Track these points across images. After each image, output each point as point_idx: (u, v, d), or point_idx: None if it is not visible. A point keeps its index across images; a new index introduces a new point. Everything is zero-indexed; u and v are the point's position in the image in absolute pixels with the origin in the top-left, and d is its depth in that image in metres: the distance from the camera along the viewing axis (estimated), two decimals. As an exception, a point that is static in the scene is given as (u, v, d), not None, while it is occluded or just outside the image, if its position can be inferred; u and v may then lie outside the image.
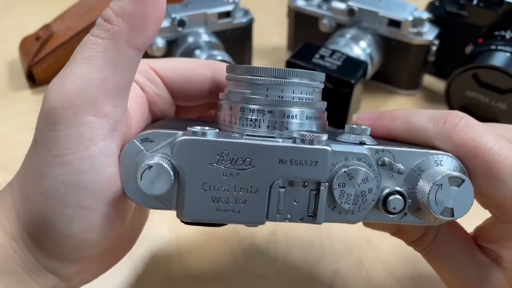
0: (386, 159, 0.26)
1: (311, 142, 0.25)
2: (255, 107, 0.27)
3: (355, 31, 0.55)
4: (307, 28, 0.59)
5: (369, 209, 0.26)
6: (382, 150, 0.26)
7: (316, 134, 0.25)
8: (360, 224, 0.37)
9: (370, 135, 0.27)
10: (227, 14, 0.55)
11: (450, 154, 0.26)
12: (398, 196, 0.26)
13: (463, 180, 0.25)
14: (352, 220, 0.26)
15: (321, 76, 0.28)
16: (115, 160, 0.25)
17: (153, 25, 0.26)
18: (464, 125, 0.26)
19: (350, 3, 0.55)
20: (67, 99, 0.24)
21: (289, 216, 0.26)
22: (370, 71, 0.54)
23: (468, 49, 0.54)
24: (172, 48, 0.53)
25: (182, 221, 0.26)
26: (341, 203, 0.25)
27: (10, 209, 0.25)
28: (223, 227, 0.28)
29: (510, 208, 0.26)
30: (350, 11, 0.55)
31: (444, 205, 0.25)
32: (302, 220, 0.26)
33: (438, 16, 0.55)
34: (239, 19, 0.56)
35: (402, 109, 0.29)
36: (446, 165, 0.26)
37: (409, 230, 0.30)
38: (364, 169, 0.25)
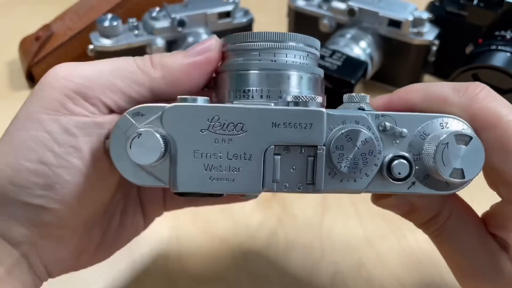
0: (387, 123, 0.24)
1: (305, 104, 0.24)
2: (247, 72, 0.26)
3: (355, 31, 0.55)
4: (307, 28, 0.59)
5: (372, 176, 0.24)
6: (383, 115, 0.25)
7: (311, 96, 0.24)
8: (361, 224, 0.37)
9: (369, 103, 0.26)
10: (227, 14, 0.55)
11: (456, 117, 0.25)
12: (402, 160, 0.24)
13: (471, 138, 0.23)
14: (354, 188, 0.25)
15: (316, 42, 0.28)
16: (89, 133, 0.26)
17: None
18: (486, 94, 0.25)
19: (350, 3, 0.55)
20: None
21: (286, 184, 0.25)
22: (370, 71, 0.54)
23: (468, 49, 0.54)
24: (172, 48, 0.53)
25: (175, 193, 0.25)
26: (340, 167, 0.24)
27: None
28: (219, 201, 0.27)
29: None
30: (350, 11, 0.55)
31: (452, 165, 0.23)
32: (300, 189, 0.25)
33: (438, 16, 0.55)
34: (239, 19, 0.56)
35: (419, 83, 0.29)
36: (453, 127, 0.25)
37: (422, 208, 0.28)
38: (363, 130, 0.24)
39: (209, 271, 0.39)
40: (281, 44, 0.26)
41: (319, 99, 0.25)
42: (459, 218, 0.28)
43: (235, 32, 0.57)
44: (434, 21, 0.55)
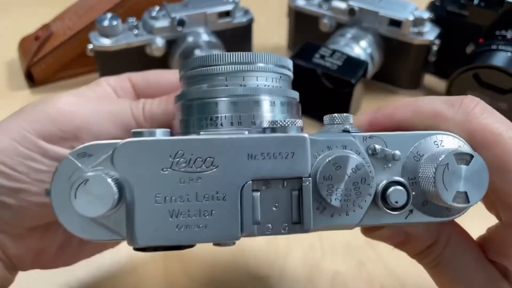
0: (377, 146, 0.22)
1: (283, 129, 0.21)
2: (214, 100, 0.22)
3: (355, 31, 0.55)
4: (307, 28, 0.59)
5: (366, 208, 0.21)
6: (370, 137, 0.22)
7: (290, 120, 0.21)
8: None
9: (353, 124, 0.23)
10: (227, 14, 0.54)
11: (450, 133, 0.23)
12: (398, 186, 0.21)
13: (472, 156, 0.21)
14: (347, 224, 0.22)
15: (289, 62, 0.25)
16: None
17: None
18: (482, 109, 0.23)
19: (350, 2, 0.55)
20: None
21: (269, 226, 0.21)
22: (371, 71, 0.54)
23: (469, 49, 0.53)
24: (171, 48, 0.53)
25: (135, 249, 0.21)
26: (330, 200, 0.21)
27: None
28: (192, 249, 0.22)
29: None
30: (351, 11, 0.55)
31: (455, 189, 0.21)
32: (286, 230, 0.21)
33: (439, 16, 0.55)
34: (239, 19, 0.56)
35: (406, 98, 0.27)
36: (448, 145, 0.22)
37: (418, 237, 0.25)
38: (352, 155, 0.21)
39: (209, 273, 0.39)
40: (250, 66, 0.23)
41: (299, 122, 0.22)
42: (458, 245, 0.25)
43: (235, 32, 0.57)
44: (434, 21, 0.55)
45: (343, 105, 0.50)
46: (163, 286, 0.38)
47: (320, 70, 0.49)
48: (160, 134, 0.21)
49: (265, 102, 0.23)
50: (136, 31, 0.52)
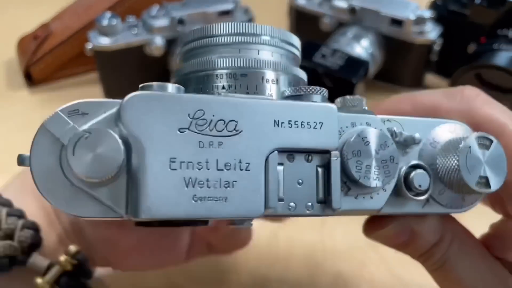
0: (395, 129, 0.21)
1: (309, 97, 0.19)
2: (224, 71, 0.20)
3: (356, 30, 0.54)
4: (308, 27, 0.59)
5: (390, 191, 0.20)
6: (389, 120, 0.21)
7: (315, 87, 0.20)
8: (362, 225, 0.37)
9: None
10: (227, 13, 0.54)
11: (461, 122, 0.22)
12: (420, 170, 0.21)
13: (492, 141, 0.20)
14: (371, 208, 0.20)
15: (295, 40, 0.23)
16: None
17: None
18: (484, 100, 0.23)
19: (351, 2, 0.54)
20: None
21: (293, 204, 0.19)
22: (372, 70, 0.54)
23: (471, 48, 0.53)
24: (171, 47, 0.53)
25: (138, 223, 0.19)
26: (360, 177, 0.19)
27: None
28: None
29: None
30: (352, 10, 0.55)
31: (478, 173, 0.20)
32: (311, 209, 0.19)
33: (441, 15, 0.55)
34: (239, 18, 0.55)
35: (406, 93, 0.26)
36: (461, 134, 0.22)
37: (423, 234, 0.24)
38: (381, 131, 0.20)
39: (210, 274, 0.38)
40: (253, 38, 0.21)
41: (325, 92, 0.20)
42: (463, 242, 0.25)
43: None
44: (436, 20, 0.54)
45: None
46: (163, 286, 0.37)
47: (321, 69, 0.48)
48: (174, 89, 0.18)
49: (269, 76, 0.20)
50: (135, 31, 0.52)
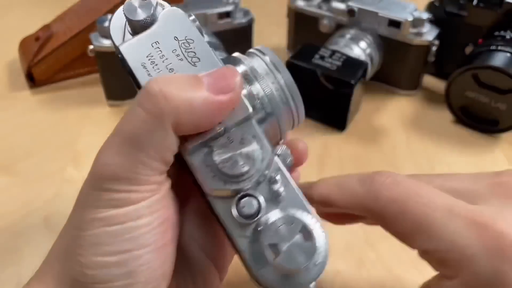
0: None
1: None
2: None
3: (355, 32, 0.55)
4: (307, 29, 0.59)
5: None
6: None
7: None
8: (361, 224, 0.37)
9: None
10: (227, 15, 0.54)
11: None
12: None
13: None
14: None
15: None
16: (158, 208, 0.23)
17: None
18: (392, 182, 0.25)
19: (350, 3, 0.55)
20: (115, 175, 0.23)
21: None
22: (370, 71, 0.54)
23: (468, 49, 0.54)
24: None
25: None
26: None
27: (58, 273, 0.23)
28: None
29: (452, 262, 0.24)
30: (350, 12, 0.55)
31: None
32: None
33: (438, 16, 0.55)
34: (239, 20, 0.56)
35: (332, 177, 0.29)
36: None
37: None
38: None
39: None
40: None
41: None
42: None
43: (235, 32, 0.57)
44: (433, 22, 0.55)
45: (343, 106, 0.50)
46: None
47: (319, 70, 0.49)
48: None
49: None
50: (136, 32, 0.52)
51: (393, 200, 0.25)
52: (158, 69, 0.24)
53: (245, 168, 0.23)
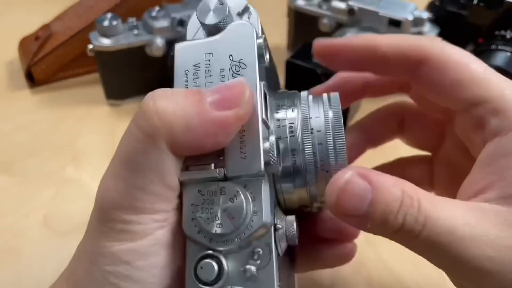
0: None
1: None
2: None
3: (355, 31, 0.55)
4: (307, 28, 0.59)
5: None
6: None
7: None
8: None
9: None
10: (227, 14, 0.54)
11: None
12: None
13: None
14: None
15: None
16: (166, 249, 0.21)
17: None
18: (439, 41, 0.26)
19: (350, 2, 0.55)
20: (115, 202, 0.21)
21: None
22: (370, 71, 0.54)
23: (469, 49, 0.53)
24: (171, 48, 0.53)
25: None
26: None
27: None
28: None
29: (508, 112, 0.23)
30: (350, 11, 0.55)
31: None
32: None
33: (439, 15, 0.55)
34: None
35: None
36: None
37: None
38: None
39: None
40: None
41: None
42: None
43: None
44: (434, 21, 0.55)
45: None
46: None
47: (320, 70, 0.49)
48: None
49: None
50: (136, 31, 0.52)
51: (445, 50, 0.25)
52: (197, 83, 0.22)
53: (220, 230, 0.20)
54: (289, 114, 0.24)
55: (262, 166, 0.21)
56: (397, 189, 0.21)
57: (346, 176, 0.21)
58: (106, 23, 0.51)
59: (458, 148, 0.28)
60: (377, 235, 0.22)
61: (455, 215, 0.21)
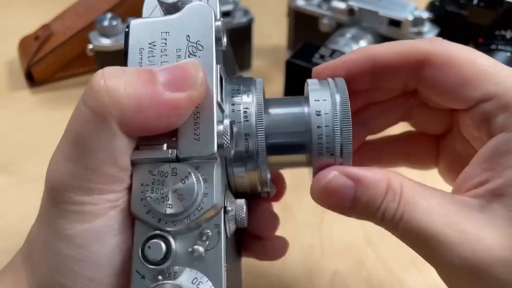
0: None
1: None
2: None
3: (355, 31, 0.55)
4: (307, 28, 0.59)
5: None
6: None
7: None
8: (360, 223, 0.37)
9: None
10: (227, 14, 0.54)
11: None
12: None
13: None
14: None
15: None
16: (120, 229, 0.21)
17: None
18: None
19: (350, 2, 0.55)
20: (66, 183, 0.21)
21: None
22: (370, 70, 0.54)
23: (468, 49, 0.54)
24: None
25: None
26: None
27: (22, 278, 0.23)
28: None
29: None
30: (350, 11, 0.55)
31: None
32: None
33: (439, 15, 0.55)
34: (239, 19, 0.56)
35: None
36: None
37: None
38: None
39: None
40: None
41: None
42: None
43: (235, 32, 0.57)
44: (434, 21, 0.55)
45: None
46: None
47: (319, 70, 0.49)
48: None
49: None
50: (136, 31, 0.52)
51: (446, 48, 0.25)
52: (152, 61, 0.22)
53: (169, 211, 0.20)
54: (244, 99, 0.24)
55: (215, 149, 0.21)
56: (380, 183, 0.22)
57: (329, 176, 0.22)
58: (106, 23, 0.51)
59: (464, 139, 0.27)
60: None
61: (434, 212, 0.22)
